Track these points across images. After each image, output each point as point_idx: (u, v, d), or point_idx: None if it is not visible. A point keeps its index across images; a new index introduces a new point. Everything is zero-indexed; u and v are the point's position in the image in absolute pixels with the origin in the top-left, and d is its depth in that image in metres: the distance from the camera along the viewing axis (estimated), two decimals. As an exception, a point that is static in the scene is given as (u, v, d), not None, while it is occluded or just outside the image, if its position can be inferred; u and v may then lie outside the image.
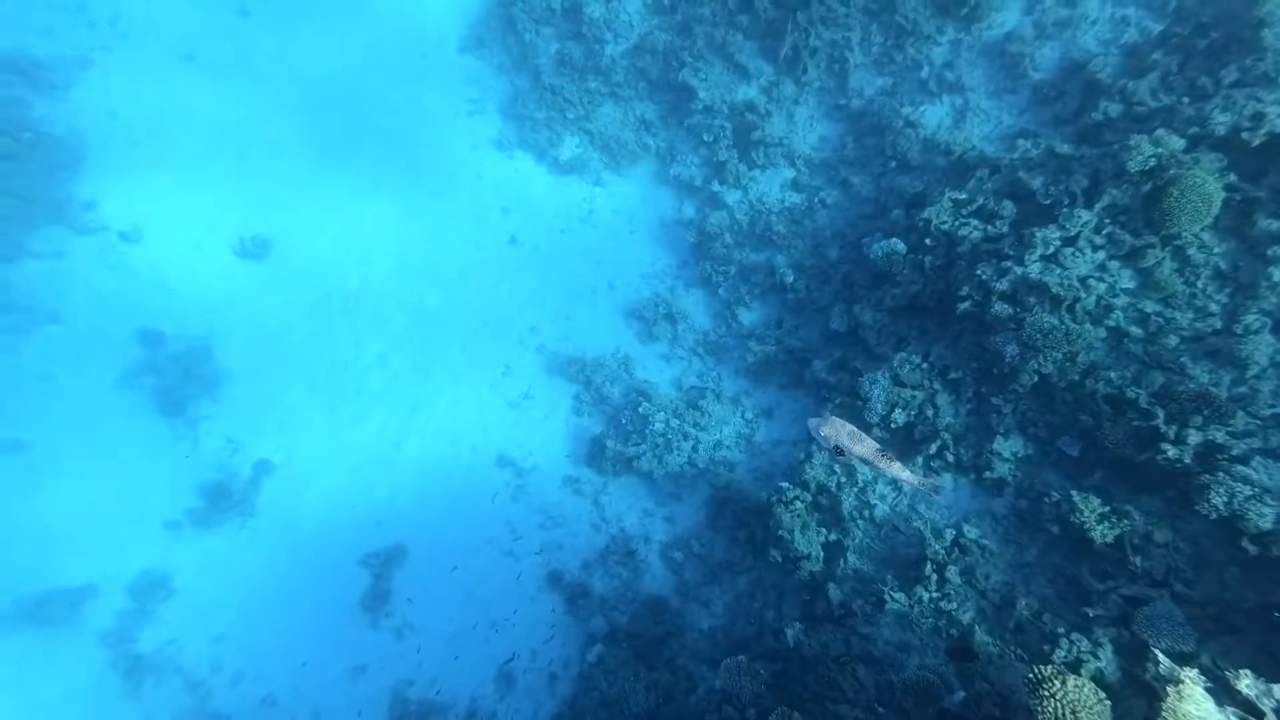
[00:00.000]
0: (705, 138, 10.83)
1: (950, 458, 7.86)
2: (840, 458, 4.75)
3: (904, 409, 8.25)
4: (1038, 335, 6.85)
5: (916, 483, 4.86)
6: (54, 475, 9.30)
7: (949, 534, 7.22)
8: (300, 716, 8.30)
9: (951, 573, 6.95)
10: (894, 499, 8.32)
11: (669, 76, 10.88)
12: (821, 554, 8.12)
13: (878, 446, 4.65)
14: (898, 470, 4.64)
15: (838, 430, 4.72)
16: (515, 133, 12.02)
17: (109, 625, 8.52)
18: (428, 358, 11.04)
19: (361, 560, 9.39)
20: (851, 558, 7.98)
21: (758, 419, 10.48)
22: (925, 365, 8.33)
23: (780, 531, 8.25)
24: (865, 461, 4.70)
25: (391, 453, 10.34)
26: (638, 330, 11.43)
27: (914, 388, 8.33)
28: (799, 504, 8.42)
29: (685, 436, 10.32)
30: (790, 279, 10.32)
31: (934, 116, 9.35)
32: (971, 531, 7.15)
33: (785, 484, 8.67)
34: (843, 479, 8.55)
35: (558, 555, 9.91)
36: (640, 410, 10.40)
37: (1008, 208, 7.94)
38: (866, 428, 8.57)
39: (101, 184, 10.66)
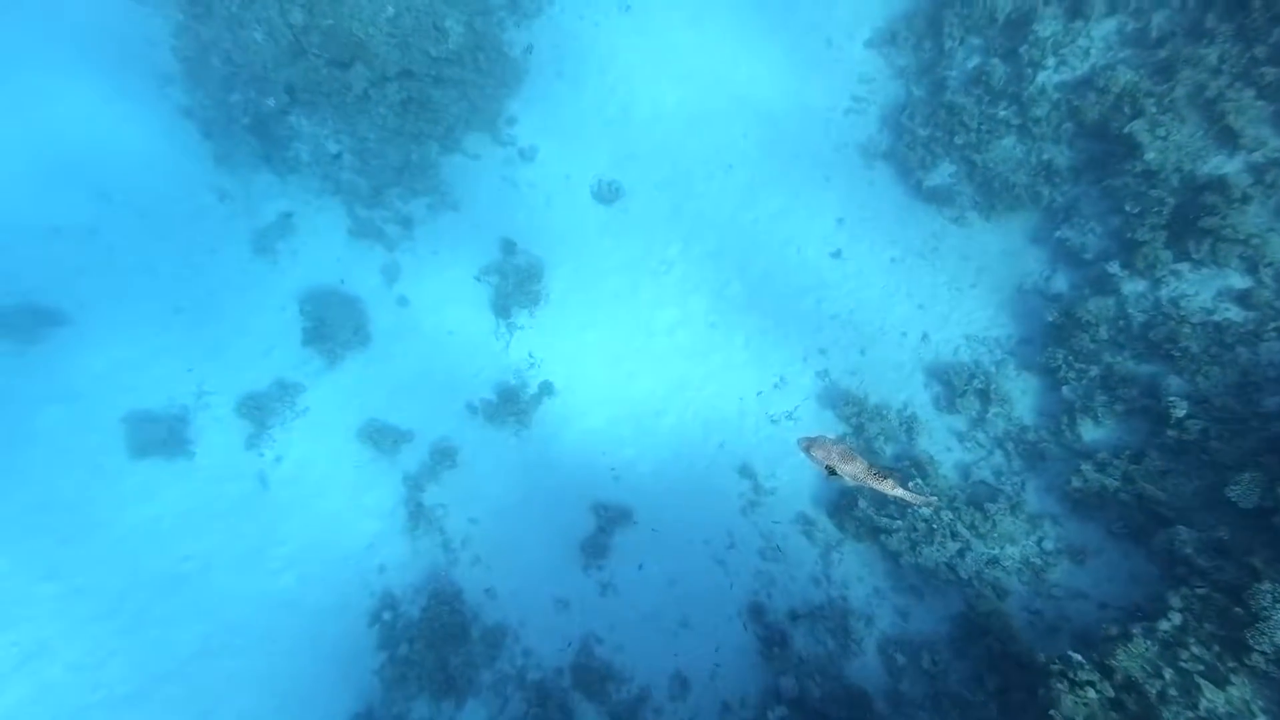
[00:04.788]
0: (1128, 207, 8.65)
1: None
2: (833, 478, 4.75)
3: (1322, 653, 5.84)
4: None
5: (913, 500, 4.87)
6: (417, 332, 11.50)
7: None
8: (510, 618, 9.25)
9: None
10: (1248, 755, 6.07)
11: (1109, 124, 8.81)
12: (1107, 767, 6.31)
13: (869, 465, 4.62)
14: (890, 488, 4.62)
15: (829, 450, 4.70)
16: (887, 143, 11.04)
17: (412, 470, 10.39)
18: (712, 342, 11.05)
19: (593, 507, 9.96)
20: (1155, 796, 6.06)
21: (1059, 555, 8.51)
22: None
23: (1054, 712, 6.61)
24: (857, 480, 4.65)
25: (649, 419, 10.67)
26: (937, 394, 9.99)
27: (1355, 634, 5.84)
28: (1091, 691, 6.65)
29: (954, 535, 8.85)
30: (1180, 412, 7.94)
31: None
32: None
33: (1078, 655, 6.89)
34: (1171, 690, 6.48)
35: (768, 589, 9.38)
36: (910, 485, 9.15)
37: None
38: (1245, 649, 6.35)
39: (524, 105, 12.41)
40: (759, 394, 10.63)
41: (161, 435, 10.41)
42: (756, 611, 9.21)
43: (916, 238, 10.71)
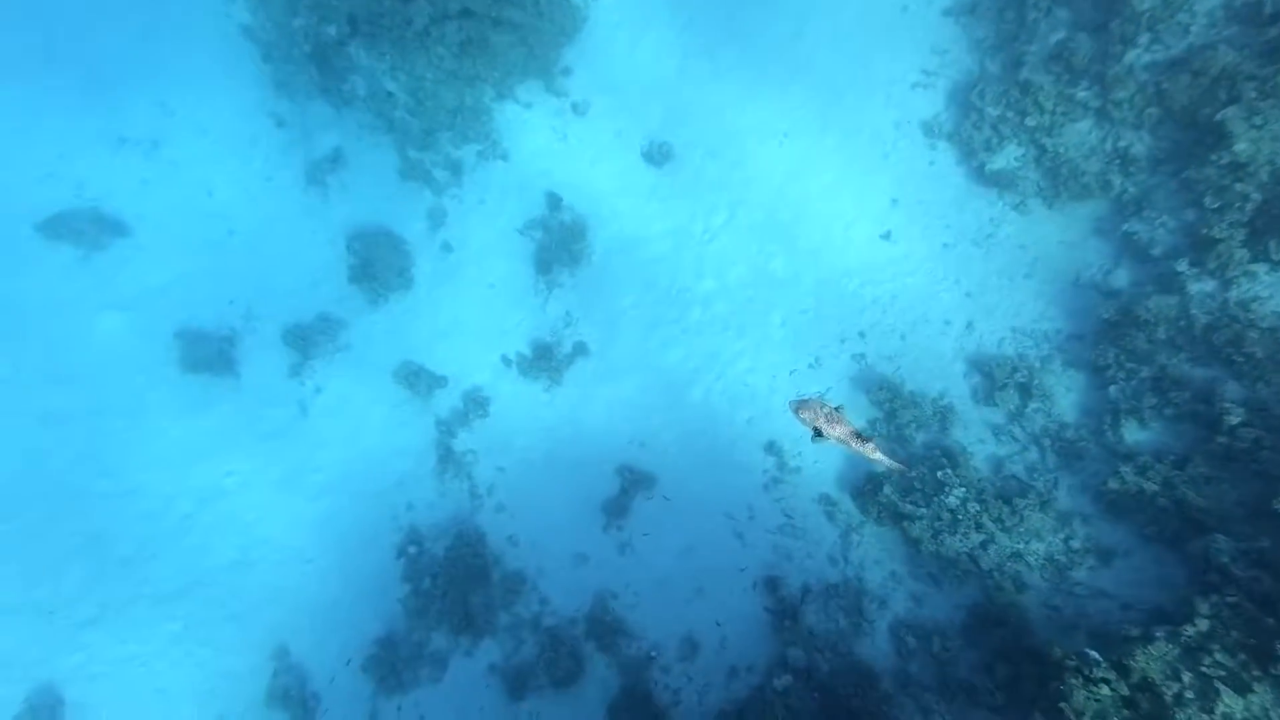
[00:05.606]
0: (1207, 201, 8.21)
1: None
2: (819, 439, 5.03)
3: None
4: None
5: (890, 464, 5.28)
6: (458, 279, 11.60)
7: None
8: (529, 566, 9.51)
9: None
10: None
11: (1198, 110, 8.30)
12: (1116, 765, 6.29)
13: (853, 428, 4.98)
14: (870, 451, 5.02)
15: (815, 411, 4.96)
16: (952, 121, 10.58)
17: (445, 414, 10.64)
18: (748, 316, 10.93)
19: (618, 469, 10.07)
20: (1163, 797, 6.04)
21: (1085, 554, 8.38)
22: None
23: (1064, 705, 6.60)
24: (841, 442, 4.99)
25: (679, 388, 10.67)
26: (976, 385, 9.77)
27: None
28: (1105, 688, 6.60)
29: (979, 527, 8.75)
30: (1235, 420, 7.67)
31: None
32: None
33: (1095, 653, 6.84)
34: (1188, 693, 6.37)
35: (784, 564, 9.43)
36: (939, 474, 9.04)
37: None
38: (1273, 659, 6.21)
39: (580, 56, 12.10)
40: (792, 372, 10.51)
41: (211, 353, 10.83)
42: (771, 585, 9.27)
43: (973, 223, 10.34)
